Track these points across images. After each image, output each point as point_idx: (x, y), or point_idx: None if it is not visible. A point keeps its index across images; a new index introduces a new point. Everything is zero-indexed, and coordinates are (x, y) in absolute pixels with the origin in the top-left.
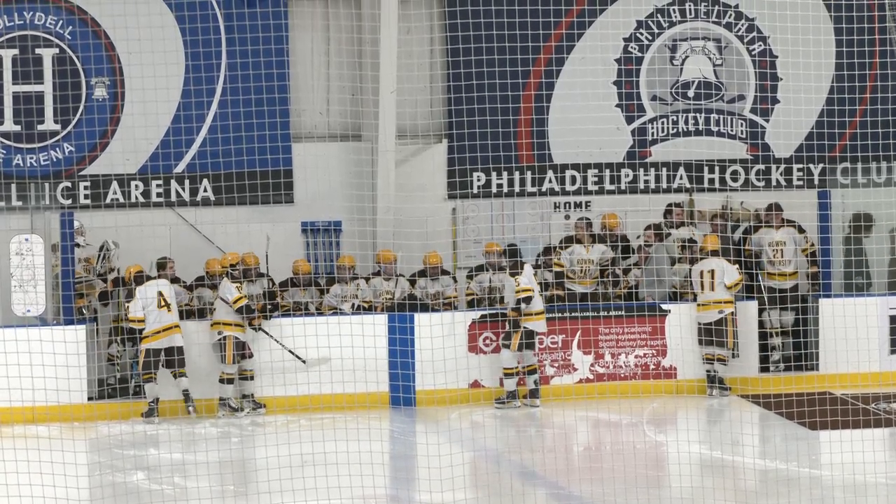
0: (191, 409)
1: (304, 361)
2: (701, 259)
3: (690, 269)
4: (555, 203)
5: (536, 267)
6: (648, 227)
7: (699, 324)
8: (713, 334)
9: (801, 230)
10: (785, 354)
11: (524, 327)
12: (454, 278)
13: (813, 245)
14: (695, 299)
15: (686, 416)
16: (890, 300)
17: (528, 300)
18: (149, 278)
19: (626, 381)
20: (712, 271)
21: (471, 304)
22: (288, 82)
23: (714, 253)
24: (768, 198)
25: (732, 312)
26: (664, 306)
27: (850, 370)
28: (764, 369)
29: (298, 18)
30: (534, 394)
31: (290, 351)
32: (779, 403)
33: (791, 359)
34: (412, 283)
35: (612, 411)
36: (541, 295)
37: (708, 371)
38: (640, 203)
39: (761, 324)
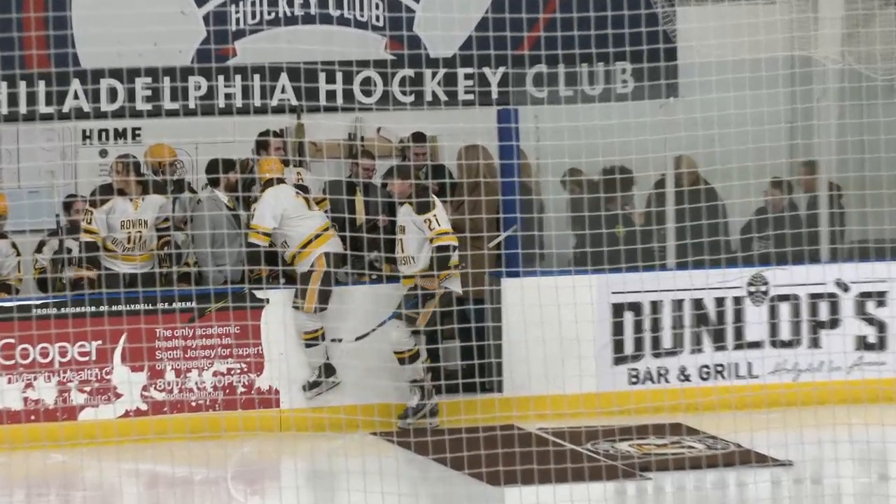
0: None
1: None
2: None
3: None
4: (84, 130)
5: (54, 233)
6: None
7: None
8: None
9: (423, 208)
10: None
11: None
12: None
13: (443, 235)
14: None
15: (295, 468)
16: (612, 280)
17: None
18: None
19: (201, 413)
20: None
21: None
22: None
23: None
24: (418, 121)
25: None
26: (259, 294)
27: (549, 391)
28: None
29: None
30: None
31: None
32: (438, 444)
33: (458, 374)
34: None
35: (178, 461)
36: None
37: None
38: (227, 128)
39: None
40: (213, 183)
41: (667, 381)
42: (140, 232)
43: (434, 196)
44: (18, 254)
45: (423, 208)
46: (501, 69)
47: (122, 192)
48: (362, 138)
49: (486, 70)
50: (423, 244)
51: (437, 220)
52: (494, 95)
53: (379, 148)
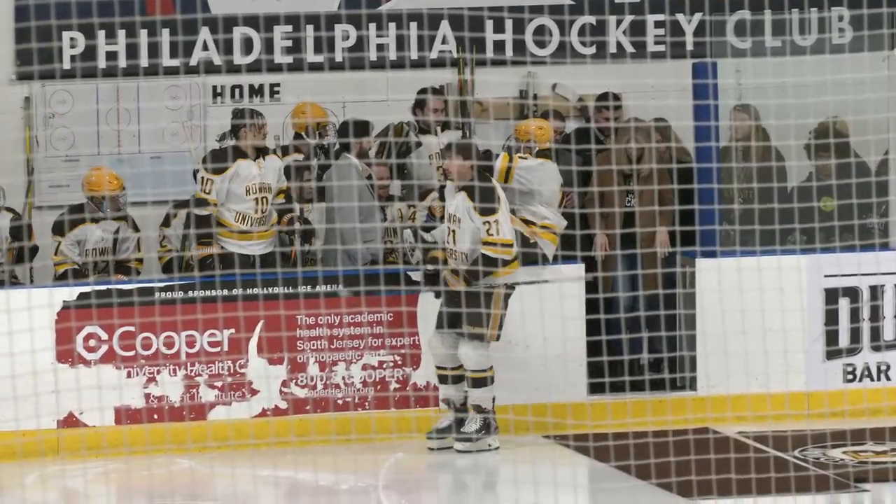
0: None
1: None
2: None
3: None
4: (215, 87)
5: (181, 205)
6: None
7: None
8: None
9: (487, 211)
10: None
11: None
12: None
13: (504, 247)
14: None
15: (453, 475)
16: (824, 261)
17: None
18: None
19: (349, 413)
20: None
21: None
22: None
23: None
24: (600, 76)
25: None
26: (415, 277)
27: (750, 389)
28: (597, 388)
29: None
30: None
31: None
32: (622, 450)
33: (642, 367)
34: None
35: (322, 468)
36: None
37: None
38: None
39: None
40: (345, 148)
41: (888, 378)
42: (266, 197)
43: (498, 190)
44: (137, 230)
45: (486, 211)
46: (697, 16)
47: (243, 156)
48: (535, 97)
49: (679, 17)
50: (477, 241)
51: (498, 227)
52: (689, 46)
53: (555, 108)
